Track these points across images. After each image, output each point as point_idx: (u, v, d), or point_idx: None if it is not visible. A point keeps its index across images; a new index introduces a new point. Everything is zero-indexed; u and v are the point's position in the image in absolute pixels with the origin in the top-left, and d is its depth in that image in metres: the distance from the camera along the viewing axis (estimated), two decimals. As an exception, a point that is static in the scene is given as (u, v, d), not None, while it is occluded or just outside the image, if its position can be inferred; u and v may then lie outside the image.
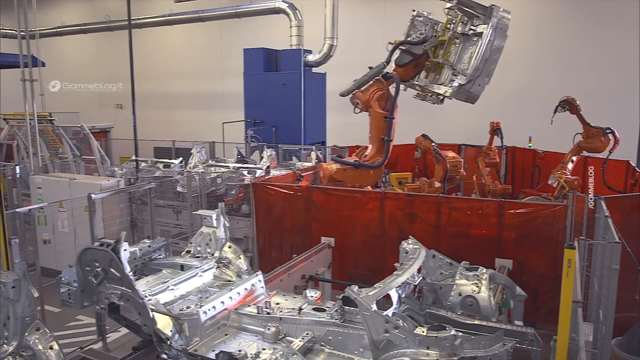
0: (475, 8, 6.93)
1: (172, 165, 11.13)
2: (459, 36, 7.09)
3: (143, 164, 11.16)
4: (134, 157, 10.72)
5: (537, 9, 14.92)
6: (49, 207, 8.34)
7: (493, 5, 6.86)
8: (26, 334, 3.28)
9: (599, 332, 4.24)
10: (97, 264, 3.60)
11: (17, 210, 6.98)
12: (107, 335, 6.70)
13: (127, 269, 3.49)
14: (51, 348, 3.26)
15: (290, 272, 5.25)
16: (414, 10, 7.62)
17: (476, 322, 3.87)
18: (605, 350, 4.01)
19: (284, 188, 7.76)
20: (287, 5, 15.28)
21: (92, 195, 6.62)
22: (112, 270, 3.54)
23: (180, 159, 11.65)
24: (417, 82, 7.83)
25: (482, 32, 6.81)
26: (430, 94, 7.85)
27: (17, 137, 13.02)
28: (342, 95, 7.87)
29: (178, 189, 10.01)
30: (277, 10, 15.55)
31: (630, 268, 4.71)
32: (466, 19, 7.10)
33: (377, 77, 7.66)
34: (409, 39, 7.55)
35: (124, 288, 3.53)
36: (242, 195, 9.53)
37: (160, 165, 11.22)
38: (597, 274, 4.72)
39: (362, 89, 7.71)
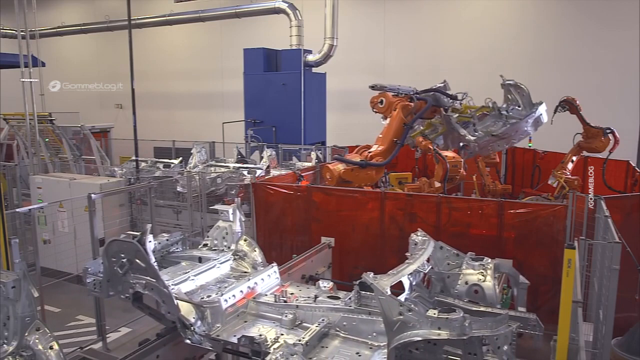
0: (523, 97, 8.60)
1: (172, 165, 11.15)
2: (496, 108, 8.85)
3: (143, 164, 11.17)
4: (134, 157, 10.73)
5: (538, 9, 14.92)
6: (49, 207, 8.34)
7: (541, 101, 8.70)
8: (26, 334, 3.28)
9: (599, 332, 4.24)
10: (122, 255, 3.77)
11: (17, 210, 7.00)
12: (107, 335, 6.70)
13: (152, 259, 3.67)
14: (51, 348, 3.25)
15: (290, 272, 5.24)
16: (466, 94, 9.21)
17: (482, 308, 4.00)
18: (605, 350, 4.02)
19: (284, 188, 7.76)
20: (287, 5, 15.30)
21: (92, 195, 6.61)
22: (137, 260, 3.71)
23: (180, 159, 11.67)
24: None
25: (513, 116, 8.57)
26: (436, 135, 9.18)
27: (17, 137, 13.03)
28: (373, 87, 8.44)
29: (178, 189, 10.03)
30: (277, 10, 15.56)
31: (630, 268, 4.71)
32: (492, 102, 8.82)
33: (407, 94, 8.45)
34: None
35: (148, 278, 3.69)
36: (242, 195, 9.53)
37: (160, 165, 11.24)
38: (597, 274, 4.73)
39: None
